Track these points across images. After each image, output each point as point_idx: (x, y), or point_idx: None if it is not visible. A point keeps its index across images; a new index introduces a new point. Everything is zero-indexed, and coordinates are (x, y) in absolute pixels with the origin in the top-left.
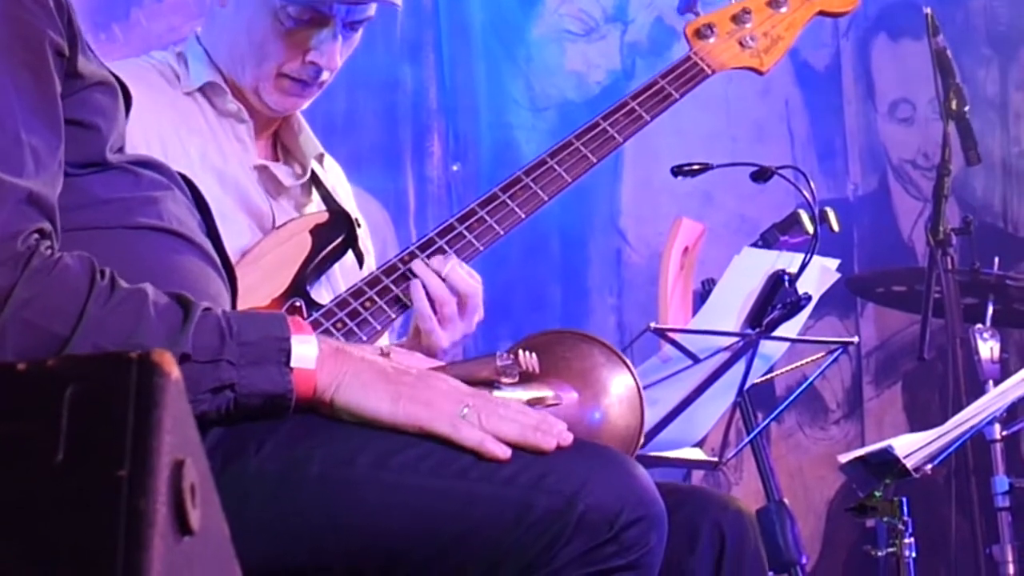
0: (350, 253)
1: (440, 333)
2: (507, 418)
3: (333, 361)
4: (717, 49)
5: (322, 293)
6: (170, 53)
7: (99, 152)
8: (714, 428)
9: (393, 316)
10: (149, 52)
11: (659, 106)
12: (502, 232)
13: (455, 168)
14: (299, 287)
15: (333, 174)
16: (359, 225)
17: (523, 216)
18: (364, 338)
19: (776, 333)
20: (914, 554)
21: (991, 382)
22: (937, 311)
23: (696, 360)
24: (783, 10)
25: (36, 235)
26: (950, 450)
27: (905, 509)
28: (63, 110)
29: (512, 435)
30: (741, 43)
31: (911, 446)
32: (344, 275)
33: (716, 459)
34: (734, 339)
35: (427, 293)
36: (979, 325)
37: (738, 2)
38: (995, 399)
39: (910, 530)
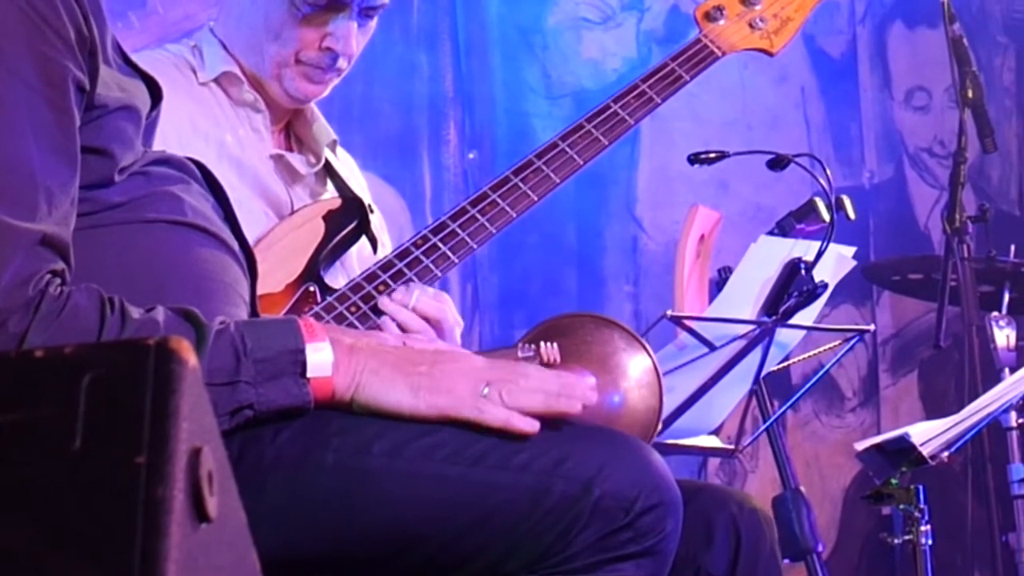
0: (365, 239)
1: None
2: (529, 389)
3: (348, 362)
4: (727, 31)
5: (338, 278)
6: (184, 45)
7: (108, 175)
8: (730, 416)
9: None
10: (163, 43)
11: (669, 88)
12: (515, 215)
13: (471, 156)
14: (313, 272)
15: (346, 163)
16: (372, 211)
17: (535, 199)
18: (378, 321)
19: (792, 321)
20: (930, 542)
21: (1007, 370)
22: (953, 299)
23: (712, 348)
24: None
25: (48, 275)
26: (966, 438)
27: (921, 497)
28: (80, 137)
29: (537, 406)
30: (751, 24)
31: (927, 434)
32: (360, 262)
33: (732, 447)
34: (750, 327)
35: (400, 327)
36: (995, 313)
37: None
38: (1011, 387)
39: (926, 518)
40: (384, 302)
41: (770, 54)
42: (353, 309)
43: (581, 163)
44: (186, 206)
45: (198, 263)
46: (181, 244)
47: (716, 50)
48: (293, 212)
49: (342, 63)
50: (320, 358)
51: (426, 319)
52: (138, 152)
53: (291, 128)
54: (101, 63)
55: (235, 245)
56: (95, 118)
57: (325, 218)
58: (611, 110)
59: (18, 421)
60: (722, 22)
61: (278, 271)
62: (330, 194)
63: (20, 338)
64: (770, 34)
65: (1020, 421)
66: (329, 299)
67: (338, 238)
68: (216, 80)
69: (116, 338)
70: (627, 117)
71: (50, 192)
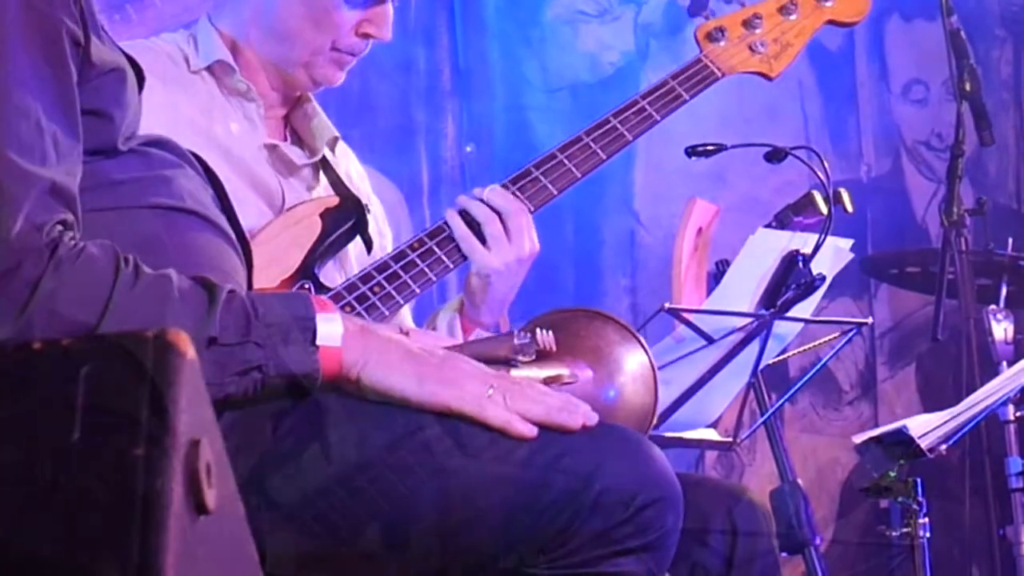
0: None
1: (487, 254)
2: (532, 399)
3: (359, 339)
4: (727, 53)
5: (334, 277)
6: (180, 35)
7: (111, 140)
8: (728, 409)
9: (401, 302)
10: (159, 34)
11: (669, 106)
12: None
13: (468, 149)
14: (308, 270)
15: (346, 160)
16: (369, 211)
17: (531, 208)
18: (387, 313)
19: (790, 314)
20: (928, 535)
21: (1005, 363)
22: (951, 292)
23: (710, 341)
24: (793, 17)
25: (60, 226)
26: (964, 431)
27: (919, 490)
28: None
29: (538, 415)
30: (751, 48)
31: (925, 426)
32: (359, 261)
33: (730, 440)
34: (748, 320)
35: (466, 220)
36: (993, 306)
37: (749, 7)
38: (1009, 380)
39: (924, 511)
40: (459, 199)
41: (769, 78)
42: (348, 309)
43: (579, 176)
44: (185, 192)
45: (197, 250)
46: (183, 230)
47: (716, 71)
48: (287, 208)
49: (370, 45)
50: (330, 328)
51: (496, 211)
52: (135, 114)
53: (288, 121)
54: (91, 30)
55: (233, 235)
56: (92, 78)
57: (322, 216)
58: (610, 124)
59: (17, 413)
60: (723, 43)
61: (273, 267)
62: (324, 190)
63: (34, 285)
64: (770, 58)
65: (1018, 414)
66: (323, 297)
67: (334, 236)
68: (208, 69)
69: (130, 291)
70: (626, 133)
71: (57, 140)
